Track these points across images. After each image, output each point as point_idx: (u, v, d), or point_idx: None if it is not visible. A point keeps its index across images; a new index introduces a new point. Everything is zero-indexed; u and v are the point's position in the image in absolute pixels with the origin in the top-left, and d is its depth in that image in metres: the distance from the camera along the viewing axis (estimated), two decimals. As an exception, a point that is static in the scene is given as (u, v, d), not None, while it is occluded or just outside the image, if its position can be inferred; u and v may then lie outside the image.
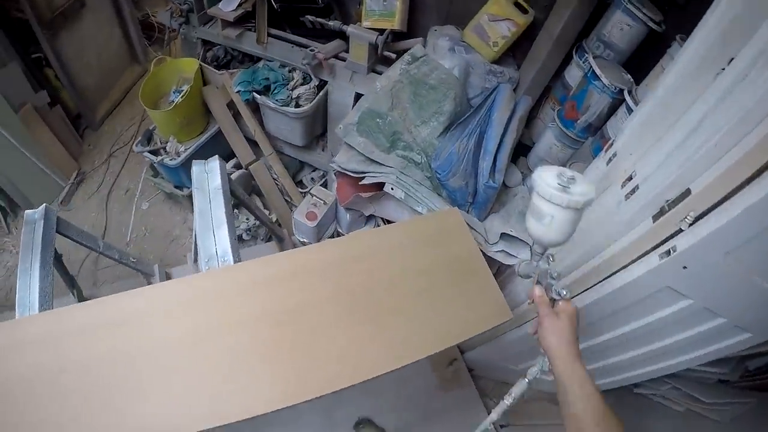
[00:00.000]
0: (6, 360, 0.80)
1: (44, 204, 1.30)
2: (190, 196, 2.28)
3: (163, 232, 2.34)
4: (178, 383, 0.80)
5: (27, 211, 1.26)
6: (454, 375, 1.80)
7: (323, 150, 2.21)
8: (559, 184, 0.70)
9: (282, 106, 1.86)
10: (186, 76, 2.13)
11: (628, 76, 1.41)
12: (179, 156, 2.07)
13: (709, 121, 0.80)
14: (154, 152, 2.14)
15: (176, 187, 2.25)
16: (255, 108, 2.07)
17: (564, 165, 1.57)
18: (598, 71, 1.37)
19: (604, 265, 1.04)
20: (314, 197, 1.72)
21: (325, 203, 1.70)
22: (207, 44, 2.17)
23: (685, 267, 0.82)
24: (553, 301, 0.77)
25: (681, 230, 0.81)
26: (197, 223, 1.11)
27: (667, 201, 0.87)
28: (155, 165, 2.18)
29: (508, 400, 0.74)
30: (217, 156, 1.26)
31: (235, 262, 1.04)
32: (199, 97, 2.10)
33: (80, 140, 2.67)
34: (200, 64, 2.09)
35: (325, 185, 2.23)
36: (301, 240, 1.78)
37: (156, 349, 0.83)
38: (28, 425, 0.74)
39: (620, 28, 1.40)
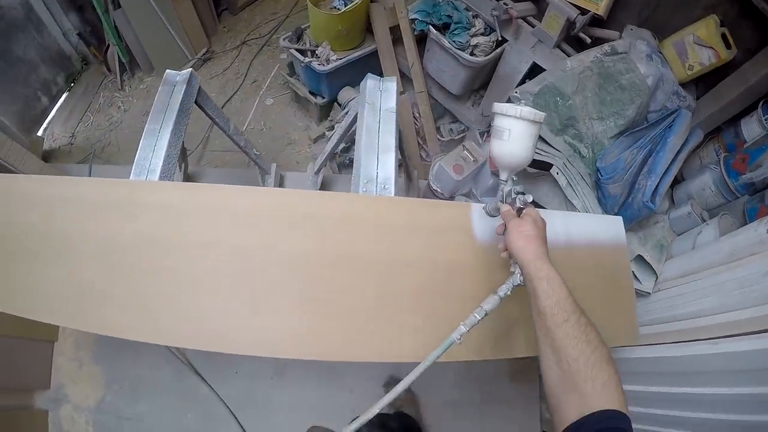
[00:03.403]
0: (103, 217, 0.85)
1: (190, 69, 1.22)
2: (323, 106, 2.28)
3: (281, 132, 2.34)
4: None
5: (168, 71, 1.20)
6: (527, 369, 1.77)
7: (473, 106, 2.17)
8: (510, 100, 0.85)
9: (457, 48, 1.84)
10: (359, -15, 2.07)
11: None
12: (328, 63, 2.06)
13: None
14: (301, 52, 2.12)
15: (311, 93, 2.24)
16: (418, 41, 2.04)
17: (713, 211, 1.60)
18: (785, 137, 1.37)
19: (727, 325, 1.11)
20: (466, 150, 1.75)
21: (474, 161, 1.73)
22: (391, -41, 2.08)
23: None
24: (519, 211, 0.80)
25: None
26: (362, 140, 1.05)
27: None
28: (297, 65, 2.16)
29: (479, 314, 0.71)
30: (394, 78, 1.21)
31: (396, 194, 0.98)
32: (365, 11, 2.05)
33: (217, 21, 2.63)
34: (380, -21, 2.03)
35: (461, 142, 2.22)
36: (434, 188, 1.83)
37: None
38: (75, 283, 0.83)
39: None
